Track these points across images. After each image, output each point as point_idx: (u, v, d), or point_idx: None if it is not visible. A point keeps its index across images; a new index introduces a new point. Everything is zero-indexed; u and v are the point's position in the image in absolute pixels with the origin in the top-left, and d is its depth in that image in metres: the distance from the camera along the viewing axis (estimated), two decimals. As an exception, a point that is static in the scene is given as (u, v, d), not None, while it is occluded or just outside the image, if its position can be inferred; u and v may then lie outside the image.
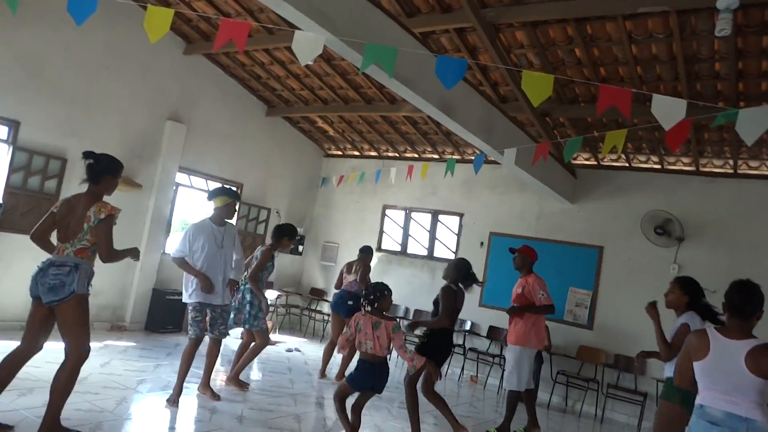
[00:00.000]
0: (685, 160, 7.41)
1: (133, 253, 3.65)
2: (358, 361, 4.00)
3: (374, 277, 6.99)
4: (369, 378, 3.91)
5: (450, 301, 4.65)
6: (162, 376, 5.34)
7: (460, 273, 4.81)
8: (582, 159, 8.23)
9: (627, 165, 7.93)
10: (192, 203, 9.58)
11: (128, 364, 5.64)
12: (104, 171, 3.55)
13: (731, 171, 7.20)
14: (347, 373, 4.28)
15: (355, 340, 3.93)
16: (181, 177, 8.32)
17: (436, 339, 4.64)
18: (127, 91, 7.43)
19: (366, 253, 6.95)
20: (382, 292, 3.97)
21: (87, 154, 3.53)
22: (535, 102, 3.47)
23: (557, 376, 7.38)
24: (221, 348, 4.93)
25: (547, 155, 6.15)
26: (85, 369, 5.08)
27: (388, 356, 3.97)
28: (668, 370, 3.50)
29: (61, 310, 3.34)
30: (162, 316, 7.70)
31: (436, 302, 4.79)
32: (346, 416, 4.01)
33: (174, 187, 8.13)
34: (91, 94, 7.04)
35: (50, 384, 3.29)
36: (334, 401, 4.04)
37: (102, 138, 7.04)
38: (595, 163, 8.16)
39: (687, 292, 3.70)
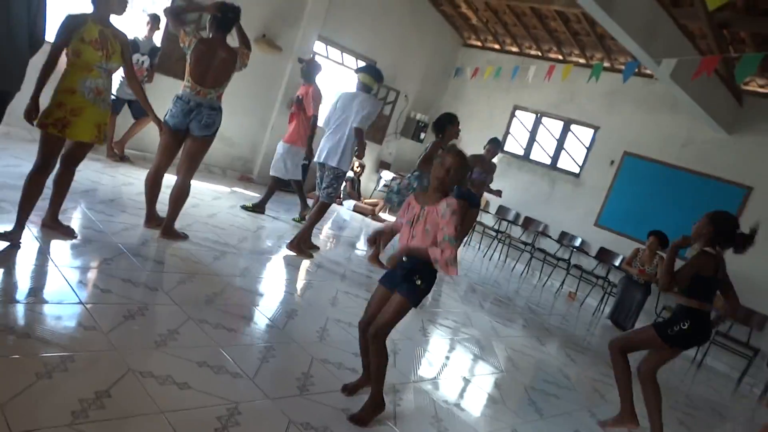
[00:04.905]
0: None
1: None
2: None
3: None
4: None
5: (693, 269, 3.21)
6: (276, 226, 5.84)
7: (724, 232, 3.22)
8: (755, 85, 7.17)
9: (810, 100, 6.82)
10: (325, 75, 9.73)
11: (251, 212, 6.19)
12: (237, 21, 4.12)
13: None
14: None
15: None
16: (318, 46, 8.41)
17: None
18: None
19: (493, 144, 6.79)
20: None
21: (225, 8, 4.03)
22: (711, 4, 3.00)
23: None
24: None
25: (711, 72, 5.44)
26: (215, 207, 5.70)
27: None
28: None
29: (198, 142, 4.06)
30: (285, 176, 8.19)
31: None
32: None
33: (312, 55, 8.27)
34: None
35: (169, 197, 4.15)
36: None
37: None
38: (770, 92, 7.10)
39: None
